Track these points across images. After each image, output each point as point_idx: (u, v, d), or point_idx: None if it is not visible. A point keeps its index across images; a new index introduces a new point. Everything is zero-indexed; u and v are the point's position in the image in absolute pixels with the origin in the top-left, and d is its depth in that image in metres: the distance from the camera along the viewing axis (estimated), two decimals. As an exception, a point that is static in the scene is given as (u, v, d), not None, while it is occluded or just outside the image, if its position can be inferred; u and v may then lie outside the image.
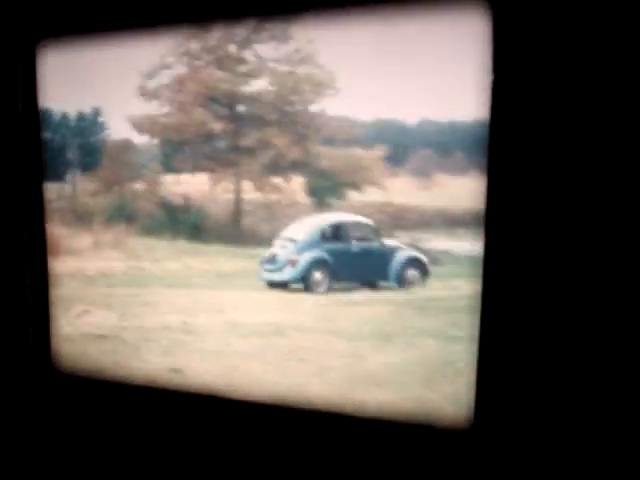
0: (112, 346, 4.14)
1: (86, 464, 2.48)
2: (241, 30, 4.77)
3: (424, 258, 5.36)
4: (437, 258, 5.32)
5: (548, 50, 1.62)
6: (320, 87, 4.68)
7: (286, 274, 5.38)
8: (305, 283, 5.36)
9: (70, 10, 2.26)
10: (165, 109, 5.15)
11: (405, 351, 4.09)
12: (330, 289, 5.30)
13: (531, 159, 1.67)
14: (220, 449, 2.28)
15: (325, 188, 5.08)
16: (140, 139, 5.39)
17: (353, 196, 5.16)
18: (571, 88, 1.61)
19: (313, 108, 4.90)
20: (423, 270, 5.34)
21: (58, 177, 5.84)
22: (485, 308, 1.77)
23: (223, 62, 4.91)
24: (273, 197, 5.25)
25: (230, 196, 5.36)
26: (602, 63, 1.57)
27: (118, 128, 5.59)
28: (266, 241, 5.33)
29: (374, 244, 5.45)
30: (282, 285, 5.36)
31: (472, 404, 1.82)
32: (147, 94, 4.95)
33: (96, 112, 5.74)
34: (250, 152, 5.11)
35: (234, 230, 5.46)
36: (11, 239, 2.52)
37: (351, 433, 2.07)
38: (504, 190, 1.71)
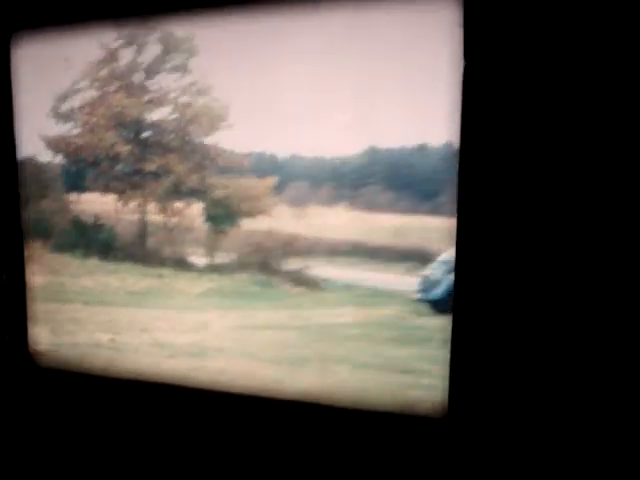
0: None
1: (66, 460, 2.50)
2: (147, 59, 4.99)
3: None
4: (319, 285, 5.11)
5: (521, 46, 1.64)
6: (215, 119, 4.92)
7: (431, 294, 5.16)
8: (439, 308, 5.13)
9: (45, 2, 2.24)
10: (77, 130, 5.29)
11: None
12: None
13: (505, 158, 1.69)
14: (201, 443, 2.29)
15: (221, 215, 5.20)
16: (52, 157, 5.47)
17: (246, 223, 5.24)
18: (545, 83, 1.63)
19: (210, 139, 5.13)
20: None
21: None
22: (457, 300, 1.81)
23: (130, 89, 5.12)
24: (174, 220, 5.38)
25: (137, 217, 5.49)
26: (577, 55, 1.59)
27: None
28: (169, 261, 5.43)
29: None
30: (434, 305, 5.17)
31: (447, 392, 1.86)
32: (60, 116, 5.11)
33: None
34: (154, 176, 5.30)
35: (141, 250, 5.60)
36: None
37: (326, 423, 2.09)
38: (478, 188, 1.75)
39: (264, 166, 4.95)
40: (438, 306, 4.82)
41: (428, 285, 4.88)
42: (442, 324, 4.59)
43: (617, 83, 1.59)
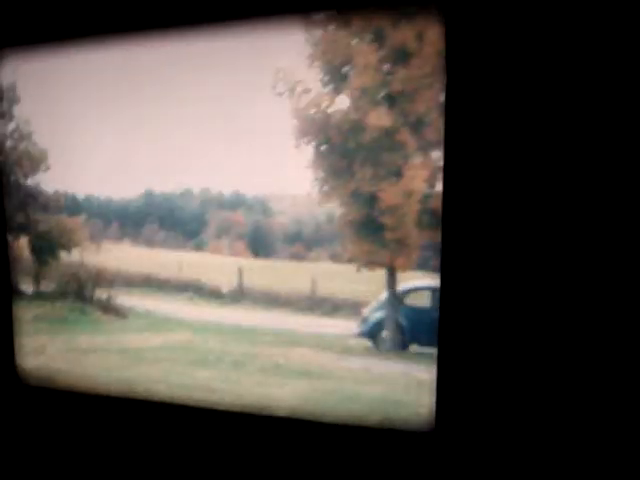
0: None
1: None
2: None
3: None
4: (124, 312, 5.55)
5: (502, 58, 1.63)
6: (36, 162, 5.43)
7: (359, 328, 5.57)
8: (373, 340, 5.51)
9: (33, 19, 2.20)
10: None
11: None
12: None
13: (489, 177, 1.67)
14: (190, 459, 2.26)
15: (44, 248, 5.58)
16: None
17: (64, 256, 5.68)
18: (526, 95, 1.62)
19: (31, 180, 5.56)
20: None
21: None
22: (443, 313, 1.78)
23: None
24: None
25: None
26: (563, 72, 1.59)
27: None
28: None
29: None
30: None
31: (434, 406, 1.83)
32: None
33: None
34: None
35: None
36: None
37: (314, 438, 2.06)
38: (462, 193, 1.72)
39: (72, 205, 5.56)
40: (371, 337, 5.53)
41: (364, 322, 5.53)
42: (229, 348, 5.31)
43: (600, 104, 1.59)
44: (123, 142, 5.03)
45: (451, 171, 1.75)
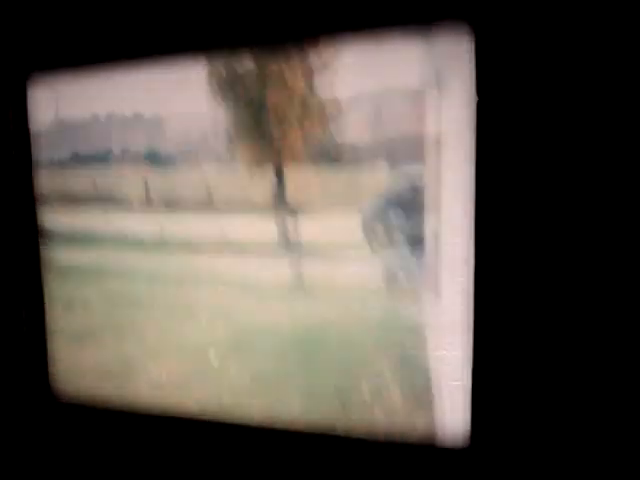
0: None
1: None
2: None
3: None
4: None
5: (533, 71, 1.60)
6: None
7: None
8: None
9: (61, 43, 2.21)
10: None
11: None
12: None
13: (522, 197, 1.63)
14: (226, 476, 2.20)
15: None
16: None
17: None
18: (560, 110, 1.58)
19: None
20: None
21: None
22: (478, 322, 1.71)
23: None
24: None
25: None
26: (599, 88, 1.55)
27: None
28: None
29: None
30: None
31: (468, 421, 1.77)
32: None
33: None
34: None
35: None
36: (5, 265, 2.46)
37: (344, 454, 2.01)
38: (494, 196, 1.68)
39: None
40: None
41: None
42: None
43: (631, 116, 1.55)
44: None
45: (482, 192, 1.71)
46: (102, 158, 5.91)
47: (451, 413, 2.18)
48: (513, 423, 1.73)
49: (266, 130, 5.64)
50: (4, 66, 2.34)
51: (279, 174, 5.72)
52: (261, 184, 5.57)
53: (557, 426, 1.69)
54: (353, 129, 5.54)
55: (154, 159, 6.03)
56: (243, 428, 2.19)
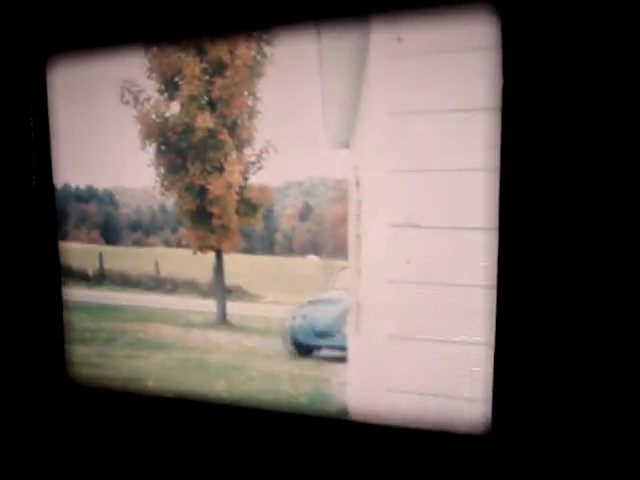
0: None
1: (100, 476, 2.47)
2: None
3: None
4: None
5: (559, 55, 1.56)
6: None
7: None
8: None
9: (81, 24, 2.20)
10: None
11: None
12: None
13: (548, 181, 1.59)
14: (238, 461, 2.17)
15: None
16: None
17: None
18: (585, 93, 1.54)
19: None
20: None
21: None
22: (500, 309, 1.71)
23: None
24: None
25: None
26: (628, 72, 1.50)
27: None
28: None
29: None
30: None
31: (489, 408, 1.76)
32: None
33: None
34: None
35: None
36: (23, 251, 2.41)
37: (363, 440, 2.03)
38: (517, 191, 1.65)
39: None
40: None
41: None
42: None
43: None
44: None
45: (507, 174, 1.66)
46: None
47: (472, 399, 2.17)
48: (534, 410, 1.72)
49: (208, 218, 6.24)
50: (22, 47, 2.29)
51: (218, 258, 6.33)
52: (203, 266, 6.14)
53: (578, 414, 1.68)
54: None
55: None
56: (254, 412, 2.18)
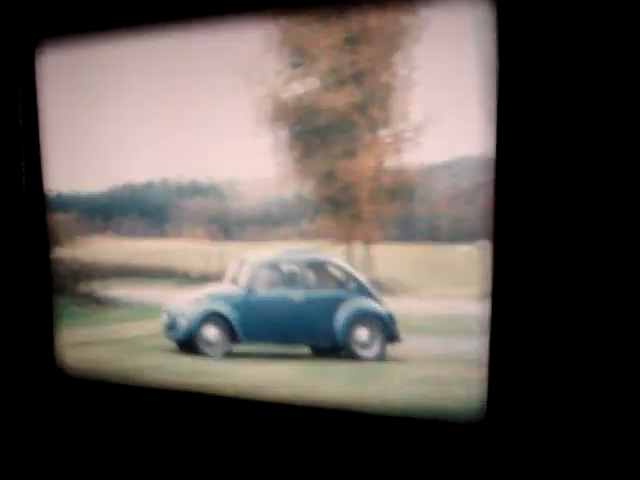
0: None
1: (90, 467, 2.50)
2: None
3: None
4: (114, 303, 5.32)
5: (555, 45, 1.56)
6: None
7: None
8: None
9: (70, 9, 2.20)
10: None
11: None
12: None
13: (542, 168, 1.61)
14: (226, 450, 2.27)
15: None
16: None
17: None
18: (579, 86, 1.55)
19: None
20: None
21: None
22: (495, 302, 1.73)
23: None
24: None
25: None
26: (619, 57, 1.51)
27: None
28: None
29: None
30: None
31: (484, 397, 1.81)
32: None
33: None
34: None
35: None
36: (12, 241, 2.53)
37: (360, 430, 2.06)
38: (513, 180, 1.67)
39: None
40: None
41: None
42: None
43: None
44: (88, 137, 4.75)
45: (502, 164, 1.72)
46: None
47: (466, 388, 2.17)
48: (529, 399, 1.75)
49: (347, 205, 5.61)
50: (12, 32, 2.30)
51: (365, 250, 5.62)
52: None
53: (572, 404, 1.71)
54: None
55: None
56: (240, 402, 2.24)
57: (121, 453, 2.45)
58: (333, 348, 4.47)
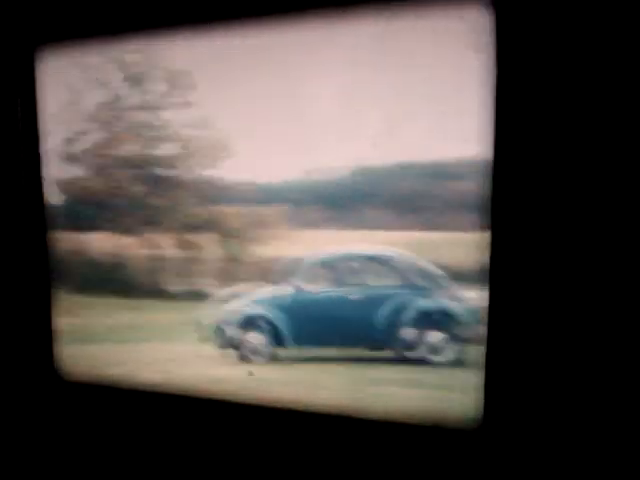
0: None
1: (89, 471, 2.49)
2: (150, 96, 5.17)
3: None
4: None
5: (553, 48, 1.60)
6: (218, 150, 5.04)
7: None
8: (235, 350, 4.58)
9: (69, 15, 2.22)
10: (85, 172, 5.39)
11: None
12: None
13: (540, 170, 1.64)
14: (225, 454, 2.24)
15: (234, 243, 5.20)
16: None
17: (260, 250, 5.15)
18: (578, 88, 1.58)
19: (214, 171, 5.18)
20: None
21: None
22: (492, 308, 1.76)
23: (136, 128, 5.30)
24: (190, 253, 5.32)
25: (150, 253, 5.45)
26: (618, 63, 1.54)
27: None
28: (186, 295, 5.26)
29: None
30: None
31: (481, 404, 1.83)
32: (69, 159, 5.19)
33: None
34: (166, 211, 5.34)
35: (157, 285, 5.53)
36: (10, 245, 2.52)
37: (359, 436, 2.05)
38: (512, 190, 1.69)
39: (260, 194, 4.97)
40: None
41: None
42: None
43: None
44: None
45: (500, 167, 1.73)
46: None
47: (463, 395, 2.14)
48: (526, 406, 1.77)
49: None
50: (10, 37, 2.35)
51: None
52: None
53: (570, 410, 1.72)
54: None
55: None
56: (249, 408, 2.24)
57: (120, 458, 2.47)
58: (397, 351, 4.01)
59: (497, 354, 1.81)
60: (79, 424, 2.52)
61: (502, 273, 1.76)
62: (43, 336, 2.59)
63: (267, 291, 4.66)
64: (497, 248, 1.75)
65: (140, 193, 5.38)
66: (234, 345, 4.58)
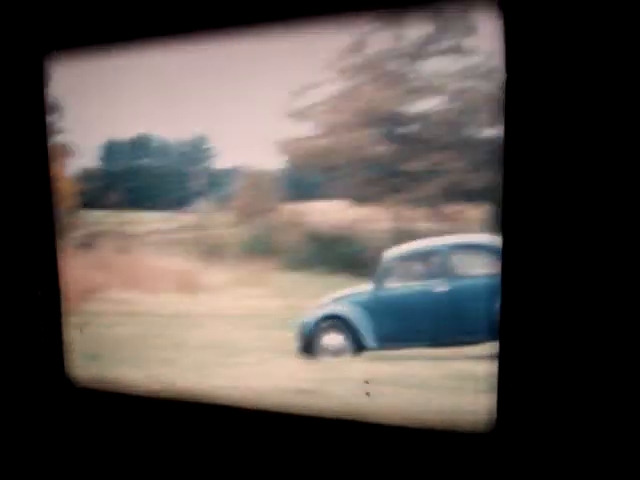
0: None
1: (100, 477, 2.49)
2: (406, 43, 4.30)
3: None
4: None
5: (562, 49, 1.58)
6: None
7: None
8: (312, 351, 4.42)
9: (79, 21, 2.25)
10: (315, 131, 4.80)
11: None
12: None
13: (550, 174, 1.63)
14: (237, 461, 2.25)
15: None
16: (276, 166, 5.05)
17: None
18: (586, 89, 1.57)
19: (493, 131, 4.22)
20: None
21: (170, 206, 5.68)
22: (504, 312, 1.74)
23: (385, 79, 4.48)
24: (445, 227, 4.56)
25: (389, 226, 4.78)
26: (629, 69, 1.52)
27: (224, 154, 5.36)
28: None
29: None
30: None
31: (494, 408, 1.80)
32: (295, 115, 4.57)
33: (201, 138, 5.53)
34: (417, 178, 4.57)
35: None
36: (22, 253, 2.52)
37: (371, 440, 2.04)
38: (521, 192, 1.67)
39: None
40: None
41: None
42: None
43: None
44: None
45: (511, 167, 1.71)
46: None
47: (476, 399, 2.13)
48: (539, 409, 1.76)
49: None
50: (20, 43, 2.38)
51: None
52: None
53: (583, 414, 1.71)
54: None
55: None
56: (255, 413, 2.22)
57: (131, 464, 2.45)
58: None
59: (510, 356, 1.79)
60: (90, 430, 2.53)
61: (513, 278, 1.75)
62: (55, 343, 2.59)
63: (348, 290, 4.55)
64: (508, 254, 1.74)
65: (386, 156, 4.67)
66: (311, 347, 4.45)
